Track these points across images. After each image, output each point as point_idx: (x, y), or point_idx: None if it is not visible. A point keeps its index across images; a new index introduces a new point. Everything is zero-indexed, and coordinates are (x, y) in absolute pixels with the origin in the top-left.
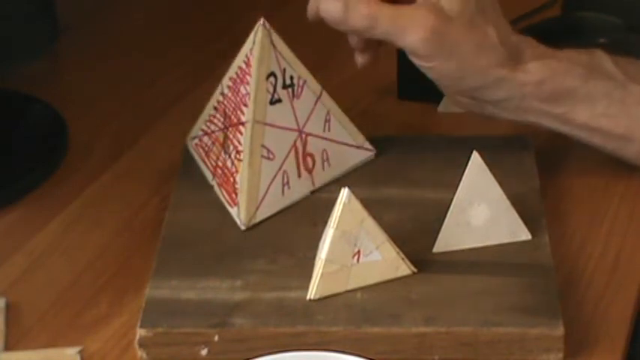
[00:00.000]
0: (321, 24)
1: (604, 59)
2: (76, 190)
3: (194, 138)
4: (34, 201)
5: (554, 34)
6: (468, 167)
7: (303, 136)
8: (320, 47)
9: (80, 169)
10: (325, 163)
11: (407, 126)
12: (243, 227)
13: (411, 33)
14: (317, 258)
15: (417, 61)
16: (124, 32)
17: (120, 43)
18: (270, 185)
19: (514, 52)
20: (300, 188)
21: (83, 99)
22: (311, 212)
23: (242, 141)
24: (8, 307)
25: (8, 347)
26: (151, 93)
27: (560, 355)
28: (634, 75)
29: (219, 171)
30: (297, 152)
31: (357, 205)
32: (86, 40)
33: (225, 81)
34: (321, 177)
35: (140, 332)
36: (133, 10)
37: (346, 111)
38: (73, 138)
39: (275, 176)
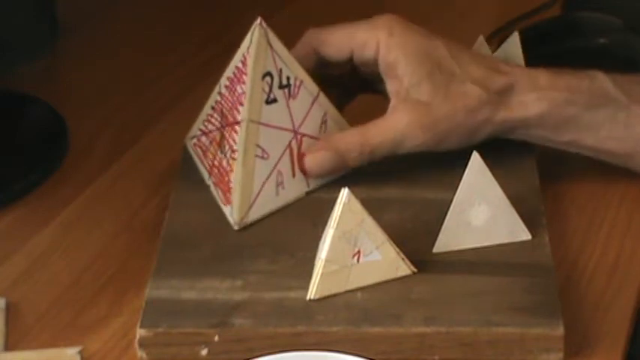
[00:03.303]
0: (320, 23)
1: (605, 82)
2: (76, 190)
3: (193, 137)
4: (34, 201)
5: (554, 34)
6: (468, 167)
7: (299, 136)
8: None
9: (80, 169)
10: None
11: None
12: (236, 227)
13: (407, 142)
14: (317, 258)
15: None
16: (124, 32)
17: (120, 43)
18: (263, 185)
19: (507, 91)
20: (294, 189)
21: (83, 99)
22: (311, 212)
23: (237, 140)
24: (8, 307)
25: (8, 347)
26: (151, 93)
27: (560, 355)
28: (636, 95)
29: (216, 170)
30: (292, 152)
31: (357, 205)
32: (86, 40)
33: (223, 80)
34: (317, 178)
35: (140, 332)
36: (133, 11)
37: (346, 111)
38: (73, 138)
39: (269, 176)
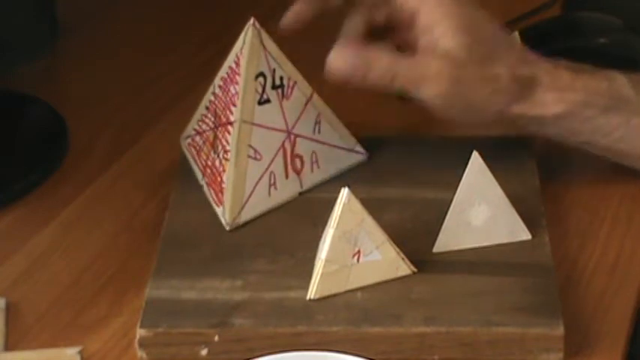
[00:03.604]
0: (321, 24)
1: (623, 84)
2: (76, 190)
3: (187, 137)
4: (34, 201)
5: (554, 34)
6: (468, 167)
7: (292, 137)
8: (320, 47)
9: (80, 169)
10: (314, 165)
11: (407, 126)
12: (227, 227)
13: (430, 86)
14: (317, 258)
15: (434, 110)
16: (124, 32)
17: (120, 43)
18: (256, 186)
19: (528, 85)
20: (287, 189)
21: (83, 99)
22: (311, 212)
23: (230, 140)
24: (8, 307)
25: (8, 347)
26: (151, 93)
27: (560, 355)
28: None
29: (209, 170)
30: (285, 153)
31: (357, 205)
32: (86, 40)
33: (217, 80)
34: (310, 179)
35: (140, 332)
36: (133, 11)
37: (345, 111)
38: (73, 138)
39: (261, 177)
